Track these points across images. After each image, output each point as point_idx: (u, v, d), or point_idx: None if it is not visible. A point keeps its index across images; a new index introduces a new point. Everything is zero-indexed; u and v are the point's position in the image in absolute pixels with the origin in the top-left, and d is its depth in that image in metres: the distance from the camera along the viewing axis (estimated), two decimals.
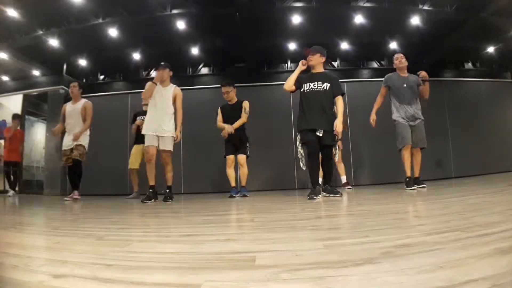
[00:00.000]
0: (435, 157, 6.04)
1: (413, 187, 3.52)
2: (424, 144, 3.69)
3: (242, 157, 4.04)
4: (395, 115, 3.74)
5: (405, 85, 3.70)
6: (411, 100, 3.69)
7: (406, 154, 3.62)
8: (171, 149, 3.60)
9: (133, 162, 4.83)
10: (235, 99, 4.18)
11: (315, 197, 2.87)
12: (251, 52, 6.55)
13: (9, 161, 5.91)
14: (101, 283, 0.70)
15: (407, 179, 3.61)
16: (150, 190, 3.52)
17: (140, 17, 5.70)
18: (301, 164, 3.24)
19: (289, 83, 3.23)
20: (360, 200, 2.87)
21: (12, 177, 5.94)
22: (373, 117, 3.82)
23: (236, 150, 4.07)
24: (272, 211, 2.19)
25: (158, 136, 3.53)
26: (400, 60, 3.77)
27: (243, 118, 4.01)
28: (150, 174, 3.53)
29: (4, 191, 5.93)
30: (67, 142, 4.24)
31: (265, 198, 3.75)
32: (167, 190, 3.62)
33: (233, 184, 4.12)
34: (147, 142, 3.54)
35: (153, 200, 3.48)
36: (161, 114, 3.55)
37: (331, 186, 3.13)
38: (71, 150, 4.19)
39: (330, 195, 3.00)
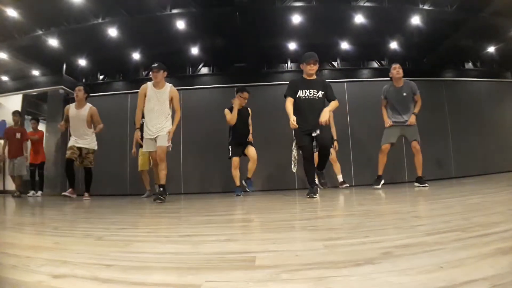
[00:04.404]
0: (435, 157, 6.04)
1: (377, 186, 3.84)
2: (417, 137, 3.83)
3: (253, 150, 4.25)
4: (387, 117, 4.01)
5: (405, 94, 3.88)
6: (406, 110, 3.89)
7: (381, 155, 3.92)
8: (167, 144, 3.50)
9: (142, 164, 4.86)
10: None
11: (314, 196, 3.03)
12: (251, 52, 6.54)
13: (36, 163, 5.94)
14: (101, 283, 0.70)
15: (376, 178, 3.91)
16: (161, 189, 3.47)
17: (140, 17, 5.70)
18: (292, 166, 3.42)
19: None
20: (360, 200, 2.87)
21: (38, 178, 5.98)
22: (388, 121, 3.99)
23: (242, 152, 4.30)
24: (272, 211, 2.19)
25: (155, 138, 3.52)
26: (398, 71, 3.91)
27: (251, 127, 4.47)
28: (161, 173, 3.50)
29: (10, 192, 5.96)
30: (76, 142, 4.27)
31: (265, 198, 3.75)
32: (160, 189, 3.46)
33: (238, 183, 4.29)
34: (146, 148, 3.60)
35: (164, 196, 3.44)
36: (160, 118, 3.52)
37: (321, 173, 3.43)
38: (79, 149, 4.26)
39: (321, 180, 3.44)
